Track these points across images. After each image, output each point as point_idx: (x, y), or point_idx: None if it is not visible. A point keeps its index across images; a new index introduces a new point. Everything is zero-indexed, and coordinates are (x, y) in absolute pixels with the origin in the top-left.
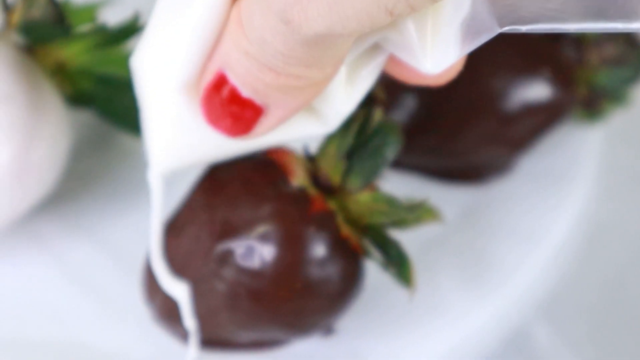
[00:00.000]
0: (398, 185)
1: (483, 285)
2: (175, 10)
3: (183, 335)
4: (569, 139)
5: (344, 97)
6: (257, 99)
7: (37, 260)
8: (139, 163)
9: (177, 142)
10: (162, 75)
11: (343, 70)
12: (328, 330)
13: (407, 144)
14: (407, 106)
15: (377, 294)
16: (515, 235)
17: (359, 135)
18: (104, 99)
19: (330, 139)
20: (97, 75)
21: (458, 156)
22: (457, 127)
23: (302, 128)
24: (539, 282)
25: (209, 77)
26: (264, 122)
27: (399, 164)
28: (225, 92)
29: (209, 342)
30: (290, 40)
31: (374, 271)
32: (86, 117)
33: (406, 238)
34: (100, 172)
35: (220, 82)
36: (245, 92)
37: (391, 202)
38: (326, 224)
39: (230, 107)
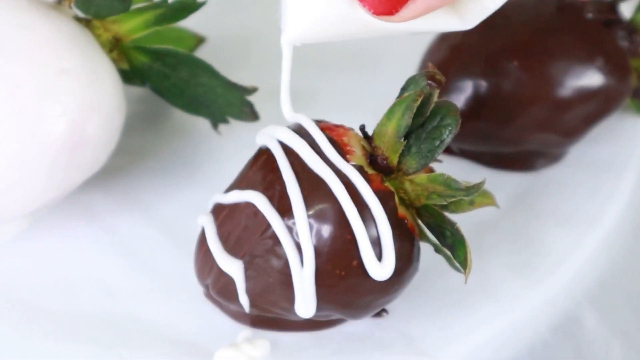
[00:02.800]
0: (449, 170)
1: (534, 271)
2: None
3: (235, 312)
4: (619, 127)
5: None
6: None
7: (89, 234)
8: (192, 140)
9: (319, 11)
10: None
11: None
12: (381, 312)
13: (463, 129)
14: (461, 91)
15: (429, 277)
16: (565, 223)
17: (417, 116)
18: (158, 75)
19: (389, 118)
20: (153, 51)
21: (510, 143)
22: (510, 113)
23: (443, 22)
24: (588, 269)
25: None
26: (410, 6)
27: (450, 150)
28: None
29: (261, 321)
30: None
31: (426, 254)
32: (140, 92)
33: (458, 219)
34: (153, 147)
35: None
36: None
37: (448, 183)
38: (383, 203)
39: None
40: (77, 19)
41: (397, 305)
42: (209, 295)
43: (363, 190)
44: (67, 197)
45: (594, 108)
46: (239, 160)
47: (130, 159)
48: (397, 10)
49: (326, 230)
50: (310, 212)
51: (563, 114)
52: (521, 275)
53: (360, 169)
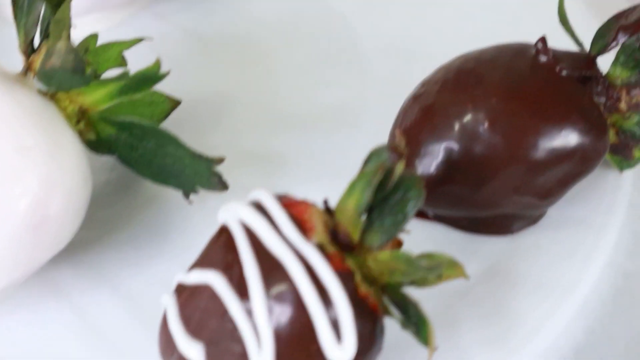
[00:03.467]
0: (423, 236)
1: (507, 343)
2: None
3: None
4: (598, 185)
5: None
6: None
7: (54, 309)
8: (163, 209)
9: None
10: None
11: None
12: None
13: (431, 195)
14: (432, 155)
15: (398, 353)
16: (540, 289)
17: (380, 190)
18: (125, 146)
19: (349, 194)
20: (119, 122)
21: (485, 207)
22: (483, 177)
23: None
24: (565, 337)
25: None
26: None
27: (425, 215)
28: None
29: None
30: None
31: (394, 328)
32: (108, 161)
33: (428, 290)
34: (122, 218)
35: None
36: None
37: (410, 261)
38: (343, 283)
39: None
40: (42, 92)
41: None
42: None
43: (322, 271)
44: (33, 273)
45: (571, 168)
46: (210, 231)
47: (99, 230)
48: None
49: (285, 313)
50: (269, 295)
51: (538, 176)
52: (495, 349)
53: (320, 247)
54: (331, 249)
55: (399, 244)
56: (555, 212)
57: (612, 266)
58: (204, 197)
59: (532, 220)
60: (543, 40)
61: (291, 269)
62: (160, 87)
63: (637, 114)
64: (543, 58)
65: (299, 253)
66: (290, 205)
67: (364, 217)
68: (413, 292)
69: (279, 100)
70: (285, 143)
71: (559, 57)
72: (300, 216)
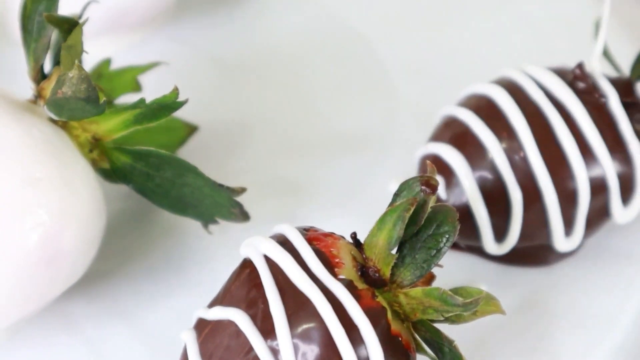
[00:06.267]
0: (456, 267)
1: None
2: None
3: None
4: (637, 217)
5: None
6: None
7: (68, 344)
8: (181, 239)
9: None
10: None
11: None
12: None
13: (463, 226)
14: (464, 186)
15: None
16: (579, 322)
17: (411, 224)
18: (141, 175)
19: (380, 229)
20: (135, 151)
21: (523, 239)
22: (523, 207)
23: None
24: None
25: None
26: None
27: (457, 246)
28: None
29: None
30: None
31: None
32: (123, 189)
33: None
34: (138, 249)
35: None
36: None
37: (444, 298)
38: (375, 321)
39: None
40: (53, 120)
41: None
42: None
43: (351, 309)
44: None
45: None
46: (230, 262)
47: (114, 262)
48: None
49: (312, 352)
50: (295, 333)
51: (576, 206)
52: None
53: (349, 283)
54: (361, 285)
55: (431, 278)
56: (594, 242)
57: None
58: (224, 227)
59: (570, 251)
60: (580, 66)
61: (319, 306)
62: (177, 112)
63: None
64: (581, 84)
65: (327, 289)
66: (316, 239)
67: (395, 251)
68: (446, 327)
69: (301, 125)
70: (308, 170)
71: (597, 83)
72: (327, 251)
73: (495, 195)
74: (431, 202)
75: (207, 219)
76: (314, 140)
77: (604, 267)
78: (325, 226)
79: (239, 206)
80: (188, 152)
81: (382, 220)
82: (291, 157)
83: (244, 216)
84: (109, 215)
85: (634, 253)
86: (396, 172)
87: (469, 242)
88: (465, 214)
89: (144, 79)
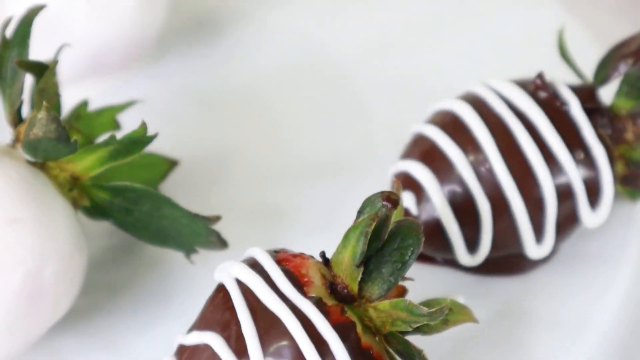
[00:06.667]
0: (432, 282)
1: None
2: None
3: None
4: (610, 219)
5: None
6: None
7: None
8: (165, 271)
9: None
10: None
11: None
12: None
13: (437, 240)
14: (434, 200)
15: None
16: (556, 327)
17: (375, 240)
18: (120, 211)
19: (344, 246)
20: (112, 187)
21: (495, 249)
22: (492, 217)
23: None
24: None
25: None
26: None
27: (433, 260)
28: None
29: None
30: None
31: None
32: (108, 227)
33: (441, 335)
34: (124, 283)
35: None
36: None
37: (410, 309)
38: (344, 335)
39: None
40: (31, 162)
41: None
42: None
43: (320, 325)
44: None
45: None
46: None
47: (101, 296)
48: None
49: None
50: (267, 352)
51: (545, 214)
52: None
53: (318, 301)
54: (330, 301)
55: (403, 291)
56: (568, 248)
57: (631, 301)
58: (206, 257)
59: (544, 258)
60: (541, 76)
61: (288, 324)
62: (159, 147)
63: None
64: (542, 94)
65: (296, 308)
66: (285, 260)
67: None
68: (424, 339)
69: (280, 154)
70: (288, 196)
71: (558, 91)
72: (296, 270)
73: (464, 208)
74: (396, 217)
75: (188, 249)
76: (292, 167)
77: (580, 271)
78: (301, 248)
79: (216, 234)
80: (170, 186)
81: (346, 237)
82: (271, 184)
83: (221, 243)
84: (94, 252)
85: (609, 255)
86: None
87: (444, 255)
88: (437, 228)
89: (126, 118)
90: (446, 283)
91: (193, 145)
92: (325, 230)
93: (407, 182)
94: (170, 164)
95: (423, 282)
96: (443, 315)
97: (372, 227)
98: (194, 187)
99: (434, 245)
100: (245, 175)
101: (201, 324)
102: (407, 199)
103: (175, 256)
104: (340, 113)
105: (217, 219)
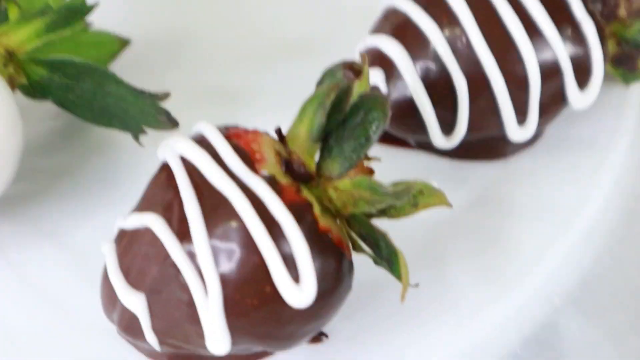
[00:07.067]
0: (404, 166)
1: (501, 275)
2: None
3: (149, 351)
4: (602, 100)
5: None
6: None
7: None
8: (112, 156)
9: None
10: None
11: None
12: (319, 336)
13: (410, 121)
14: (407, 78)
15: (377, 292)
16: (539, 216)
17: (335, 113)
18: (60, 88)
19: (300, 119)
20: (50, 62)
21: (470, 131)
22: (469, 95)
23: None
24: (568, 268)
25: None
26: None
27: (407, 144)
28: None
29: (179, 358)
30: None
31: (371, 266)
32: (52, 107)
33: (413, 221)
34: (66, 167)
35: None
36: None
37: (374, 187)
38: (299, 217)
39: None
40: None
41: (339, 326)
42: (119, 332)
43: (272, 205)
44: None
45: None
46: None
47: (40, 182)
48: None
49: (231, 254)
50: (213, 235)
51: (527, 92)
52: (486, 282)
53: (271, 179)
54: (284, 180)
55: (369, 172)
56: (554, 132)
57: (620, 188)
58: (156, 139)
59: (527, 142)
60: None
61: (237, 204)
62: (110, 25)
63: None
64: None
65: (246, 186)
66: (236, 135)
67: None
68: (393, 224)
69: (241, 32)
70: (249, 78)
71: None
72: (247, 147)
73: (439, 86)
74: (361, 90)
75: (135, 129)
76: (253, 47)
77: (566, 158)
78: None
79: (166, 112)
80: (120, 68)
81: (302, 110)
82: (230, 66)
83: (172, 123)
84: (35, 135)
85: (598, 141)
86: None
87: (417, 137)
88: (409, 107)
89: None
90: (419, 168)
91: (147, 23)
92: (288, 113)
93: (377, 58)
94: (120, 44)
95: (394, 167)
96: (409, 194)
97: (331, 98)
98: (146, 69)
99: (405, 126)
100: (203, 55)
101: (142, 206)
102: (376, 76)
103: (123, 139)
104: None
105: (165, 96)
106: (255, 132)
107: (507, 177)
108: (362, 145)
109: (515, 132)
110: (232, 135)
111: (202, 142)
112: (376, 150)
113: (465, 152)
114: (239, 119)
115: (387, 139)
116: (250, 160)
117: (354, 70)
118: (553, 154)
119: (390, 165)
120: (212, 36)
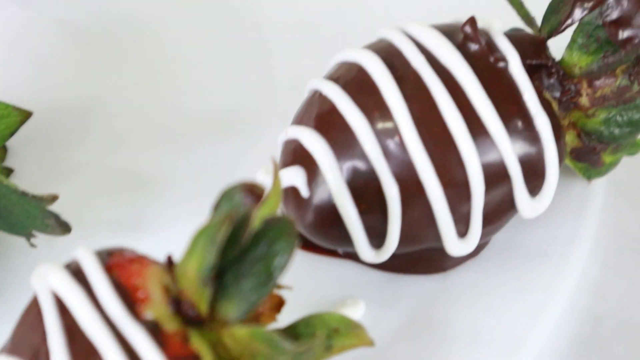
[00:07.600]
0: (331, 279)
1: None
2: None
3: None
4: (558, 204)
5: None
6: None
7: None
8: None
9: None
10: None
11: None
12: None
13: (335, 230)
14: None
15: None
16: (479, 343)
17: (232, 246)
18: None
19: (190, 254)
20: None
21: (406, 243)
22: (402, 204)
23: None
24: None
25: None
26: None
27: (334, 253)
28: None
29: None
30: None
31: None
32: None
33: None
34: None
35: None
36: None
37: (272, 342)
38: None
39: None
40: None
41: None
42: None
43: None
44: None
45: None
46: None
47: None
48: None
49: None
50: None
51: (469, 201)
52: None
53: (154, 326)
54: (171, 325)
55: (279, 304)
56: (502, 240)
57: (576, 311)
58: (49, 240)
59: (470, 253)
60: (472, 22)
61: (109, 358)
62: (11, 95)
63: (604, 110)
64: (473, 46)
65: (122, 337)
66: (118, 266)
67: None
68: None
69: (156, 106)
70: (163, 160)
71: (494, 43)
72: (130, 283)
73: (367, 191)
74: (265, 213)
75: (22, 233)
76: (170, 123)
77: (515, 271)
78: (183, 228)
79: (54, 216)
80: (19, 144)
81: (191, 244)
82: (142, 145)
83: (62, 227)
84: None
85: (553, 252)
86: (269, 156)
87: (342, 247)
88: (333, 215)
89: None
90: (347, 281)
91: (53, 94)
92: (203, 203)
93: (299, 153)
94: (22, 116)
95: (321, 278)
96: (312, 351)
97: (224, 231)
98: (48, 146)
99: (328, 235)
100: (113, 132)
101: (10, 346)
102: (297, 176)
103: (15, 238)
104: (236, 56)
105: (53, 199)
106: (142, 262)
107: (445, 295)
108: (264, 284)
109: (454, 245)
110: (113, 266)
111: (79, 274)
112: (299, 258)
113: (399, 264)
114: (147, 211)
115: (312, 246)
116: (131, 301)
117: (254, 193)
118: (498, 267)
119: (315, 277)
120: (124, 110)
